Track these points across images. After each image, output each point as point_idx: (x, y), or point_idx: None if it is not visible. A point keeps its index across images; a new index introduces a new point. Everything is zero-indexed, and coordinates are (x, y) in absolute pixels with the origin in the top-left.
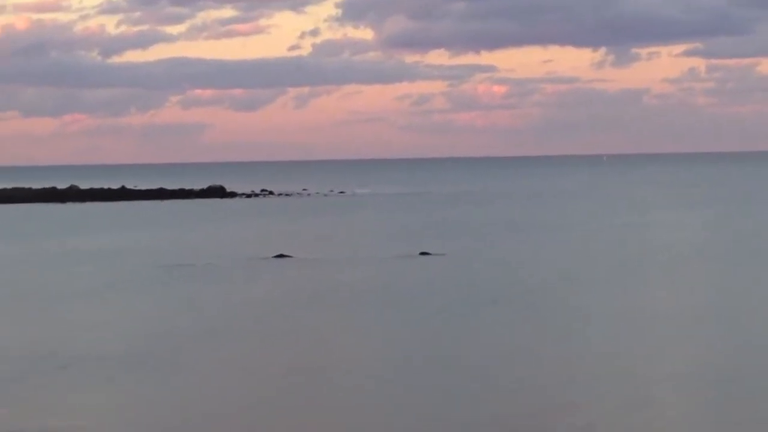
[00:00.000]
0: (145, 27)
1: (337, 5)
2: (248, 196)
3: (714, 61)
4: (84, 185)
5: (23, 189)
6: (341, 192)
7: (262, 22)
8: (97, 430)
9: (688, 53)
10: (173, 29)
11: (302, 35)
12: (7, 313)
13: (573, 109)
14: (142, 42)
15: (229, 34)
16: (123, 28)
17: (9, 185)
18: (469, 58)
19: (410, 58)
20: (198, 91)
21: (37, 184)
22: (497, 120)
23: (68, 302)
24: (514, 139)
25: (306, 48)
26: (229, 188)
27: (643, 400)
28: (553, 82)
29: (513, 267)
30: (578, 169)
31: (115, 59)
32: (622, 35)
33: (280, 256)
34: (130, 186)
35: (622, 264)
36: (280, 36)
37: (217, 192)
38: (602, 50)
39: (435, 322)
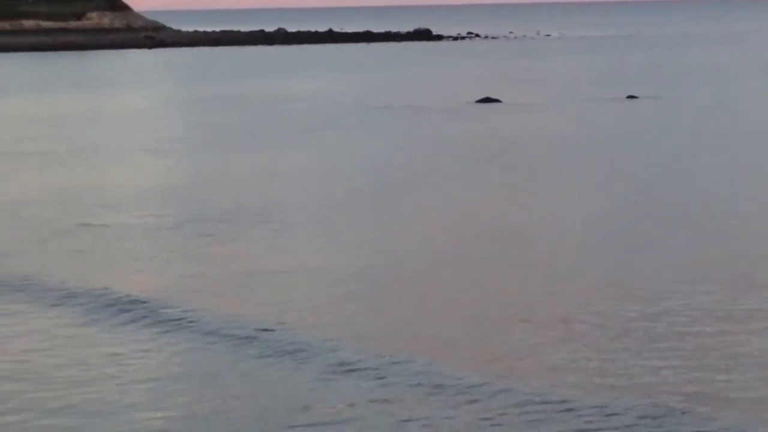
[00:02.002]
0: None
1: None
2: (455, 39)
3: None
4: (291, 28)
5: (232, 32)
6: (547, 35)
7: None
8: (312, 271)
9: None
10: None
11: None
12: (221, 155)
13: None
14: None
15: None
16: None
17: (218, 28)
18: None
19: None
20: None
21: (245, 28)
22: None
23: (276, 143)
24: None
25: None
26: (435, 31)
27: None
28: None
29: (724, 113)
30: None
31: None
32: None
33: (486, 99)
34: (336, 29)
35: None
36: None
37: (423, 35)
38: None
39: (641, 168)
